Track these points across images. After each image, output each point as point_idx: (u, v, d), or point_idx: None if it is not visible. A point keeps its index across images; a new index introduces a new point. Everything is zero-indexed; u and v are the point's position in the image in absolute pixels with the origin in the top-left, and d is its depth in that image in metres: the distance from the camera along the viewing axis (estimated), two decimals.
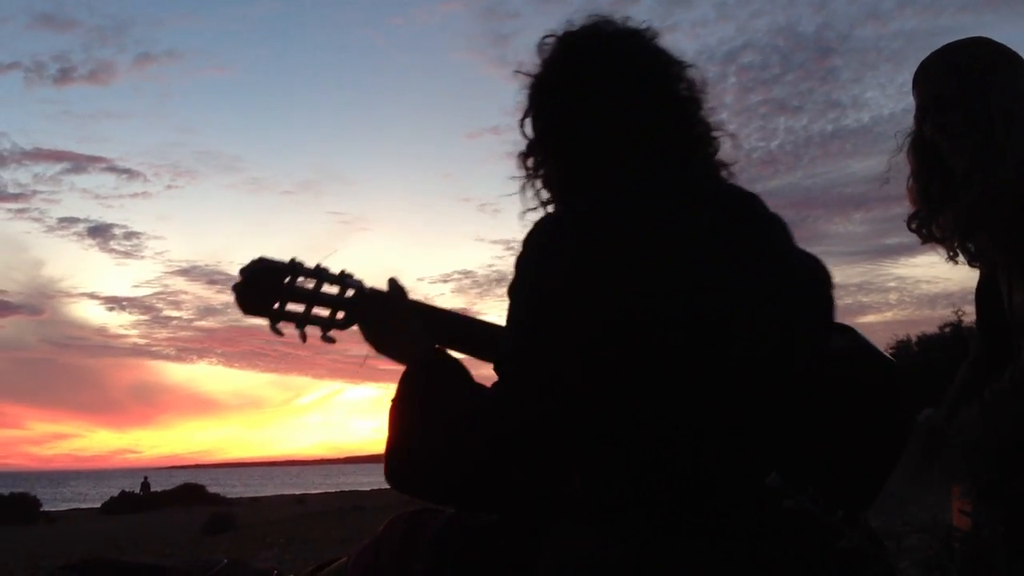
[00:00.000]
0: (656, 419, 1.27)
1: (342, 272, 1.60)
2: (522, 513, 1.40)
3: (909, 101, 2.29)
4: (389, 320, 1.58)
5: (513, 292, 1.36)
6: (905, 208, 2.33)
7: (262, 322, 1.56)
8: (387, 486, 1.45)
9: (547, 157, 1.55)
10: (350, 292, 1.61)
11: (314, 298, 1.58)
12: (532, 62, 1.57)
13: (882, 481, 1.47)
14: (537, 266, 1.35)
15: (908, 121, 2.32)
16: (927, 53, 2.26)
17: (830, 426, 1.39)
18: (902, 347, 26.67)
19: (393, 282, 1.62)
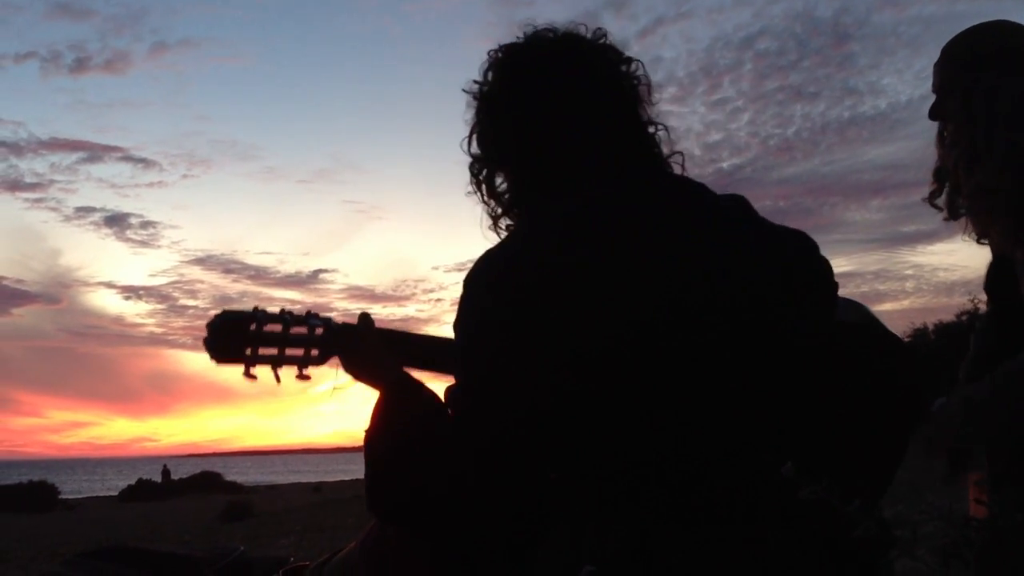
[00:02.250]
0: (646, 414, 1.27)
1: (308, 312, 1.64)
2: (508, 526, 1.42)
3: (927, 87, 2.28)
4: (363, 352, 1.63)
5: (456, 328, 1.41)
6: (921, 195, 2.32)
7: (237, 368, 1.58)
8: None
9: (497, 170, 1.59)
10: (319, 330, 1.64)
11: (285, 340, 1.62)
12: (475, 79, 1.60)
13: (896, 462, 1.47)
14: (474, 307, 1.39)
15: (926, 108, 2.30)
16: (945, 39, 2.24)
17: (840, 405, 1.38)
18: (919, 335, 26.54)
19: (363, 316, 1.67)
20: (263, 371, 1.60)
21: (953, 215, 2.26)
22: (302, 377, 1.64)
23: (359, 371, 1.64)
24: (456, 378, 1.44)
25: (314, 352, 1.65)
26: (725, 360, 1.30)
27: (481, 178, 1.60)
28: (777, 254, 1.43)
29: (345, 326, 1.66)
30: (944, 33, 2.28)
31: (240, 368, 1.59)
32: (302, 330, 1.63)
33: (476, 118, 1.60)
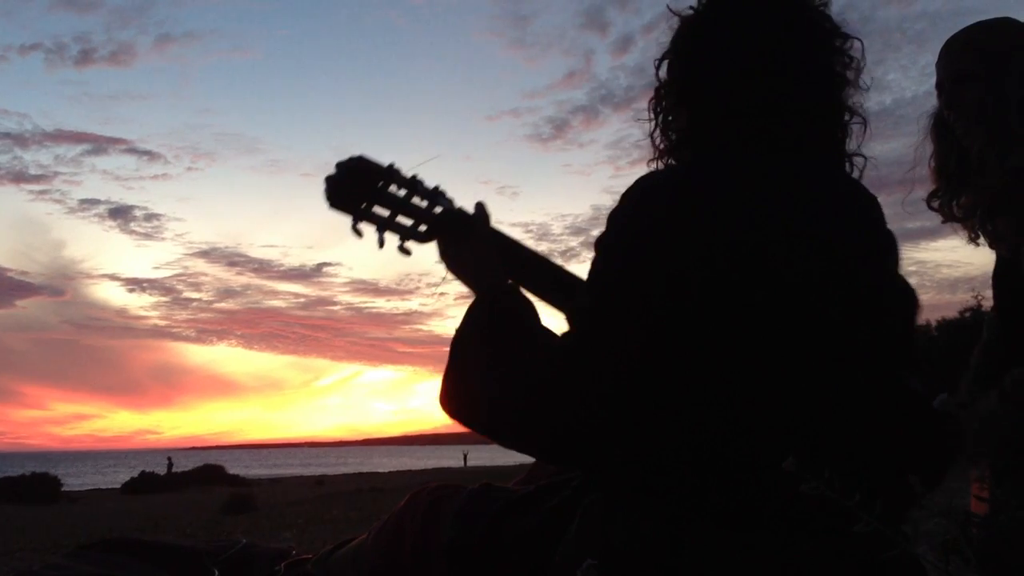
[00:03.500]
0: (717, 403, 1.23)
1: (436, 187, 1.61)
2: (574, 467, 1.38)
3: (932, 83, 2.28)
4: (469, 244, 1.58)
5: (600, 244, 1.34)
6: (926, 191, 2.31)
7: (345, 218, 1.55)
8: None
9: (679, 102, 1.49)
10: (438, 209, 1.60)
11: (402, 207, 1.58)
12: (685, 3, 1.51)
13: (933, 486, 1.40)
14: (628, 222, 1.32)
15: (931, 104, 2.30)
16: (950, 34, 2.24)
17: (892, 429, 1.33)
18: (922, 332, 26.51)
19: (480, 206, 1.62)
20: (370, 230, 1.57)
21: (951, 217, 2.26)
22: (403, 249, 1.61)
23: (457, 264, 1.59)
24: (587, 291, 1.35)
25: (422, 228, 1.61)
26: (794, 363, 1.26)
27: (660, 107, 1.52)
28: (891, 297, 1.39)
29: (462, 212, 1.62)
30: (949, 28, 2.28)
31: (349, 220, 1.56)
32: (423, 203, 1.60)
33: (678, 43, 1.50)
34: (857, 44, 1.48)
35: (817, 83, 1.43)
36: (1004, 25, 2.17)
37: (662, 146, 1.52)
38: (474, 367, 1.41)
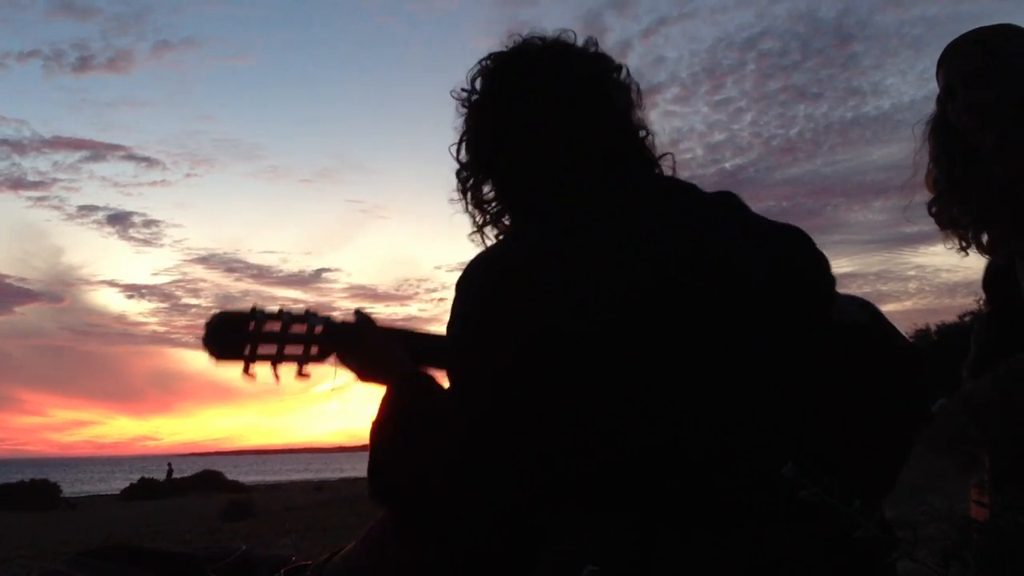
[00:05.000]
0: (642, 410, 1.26)
1: (307, 311, 1.64)
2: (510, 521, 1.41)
3: (930, 88, 2.27)
4: (363, 347, 1.63)
5: (450, 335, 1.41)
6: (925, 196, 2.31)
7: (235, 367, 1.59)
8: None
9: (484, 178, 1.59)
10: (318, 328, 1.64)
11: (284, 338, 1.62)
12: (463, 87, 1.60)
13: (900, 462, 1.46)
14: (460, 308, 1.39)
15: (929, 108, 2.30)
16: (949, 39, 2.24)
17: (842, 403, 1.38)
18: (921, 336, 26.53)
19: (359, 312, 1.67)
20: (263, 370, 1.61)
21: (945, 225, 2.25)
22: (302, 375, 1.64)
23: (360, 368, 1.64)
24: (448, 377, 1.44)
25: (314, 350, 1.65)
26: (721, 356, 1.29)
27: (468, 186, 1.60)
28: (767, 249, 1.43)
29: (344, 324, 1.66)
30: (947, 33, 2.28)
31: (240, 367, 1.59)
32: (301, 328, 1.63)
33: (465, 125, 1.60)
34: (626, 69, 1.58)
35: (601, 116, 1.52)
36: (1008, 29, 2.18)
37: (480, 220, 1.60)
38: (393, 452, 1.46)
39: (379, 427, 1.48)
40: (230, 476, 46.65)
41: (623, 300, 1.28)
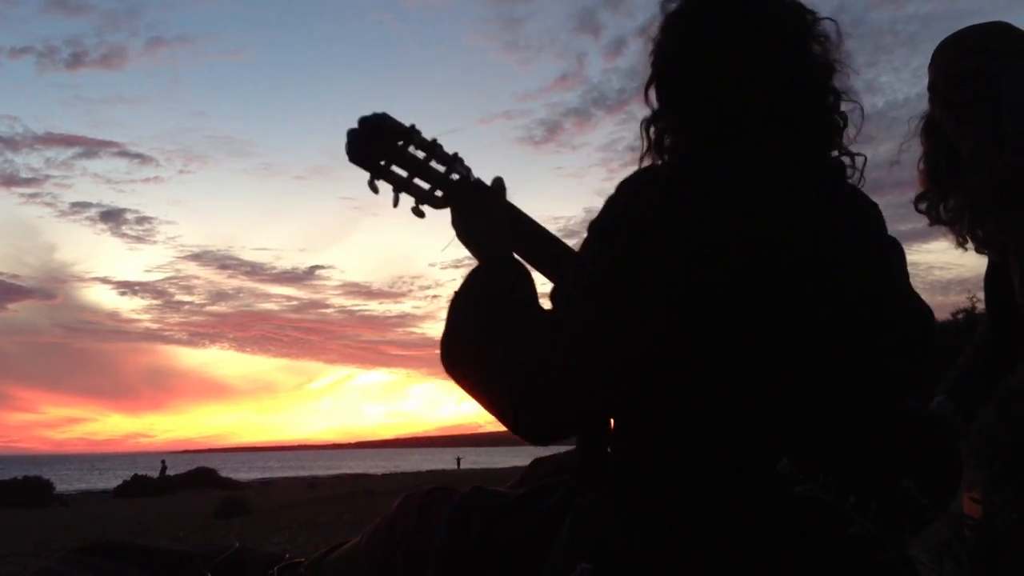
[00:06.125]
0: (704, 401, 1.24)
1: (455, 154, 1.62)
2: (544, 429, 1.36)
3: (924, 86, 2.29)
4: (481, 214, 1.59)
5: (595, 229, 1.35)
6: (915, 193, 2.32)
7: (362, 174, 1.56)
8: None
9: (667, 101, 1.51)
10: (455, 176, 1.62)
11: (420, 169, 1.59)
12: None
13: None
14: (625, 212, 1.33)
15: (923, 106, 2.31)
16: (943, 37, 2.25)
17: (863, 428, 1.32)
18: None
19: (498, 180, 1.63)
20: (386, 188, 1.58)
21: (938, 220, 2.26)
22: (417, 211, 1.61)
23: (469, 232, 1.60)
24: (567, 274, 1.40)
25: (438, 192, 1.62)
26: (798, 367, 1.26)
27: (651, 102, 1.53)
28: (883, 264, 1.40)
29: (479, 183, 1.63)
30: (941, 31, 2.29)
31: (366, 175, 1.56)
32: (440, 168, 1.61)
33: (660, 39, 1.51)
34: (834, 24, 1.49)
35: (801, 75, 1.44)
36: (998, 28, 2.18)
37: (653, 139, 1.53)
38: (466, 332, 1.44)
39: (462, 298, 1.46)
40: (224, 473, 46.57)
41: (731, 284, 1.24)
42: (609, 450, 1.37)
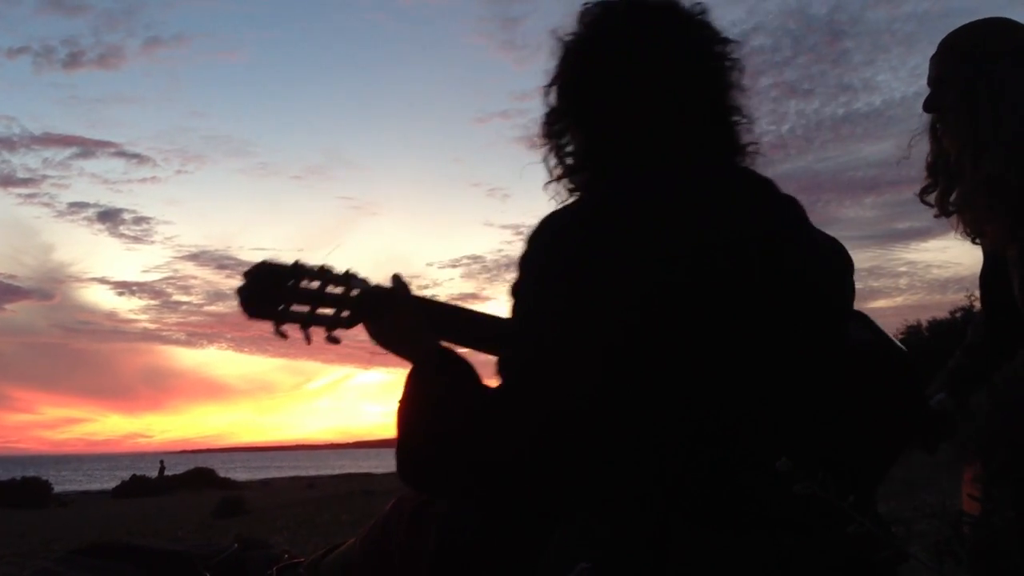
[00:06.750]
0: (675, 408, 1.25)
1: (347, 271, 1.59)
2: (534, 505, 1.38)
3: (921, 84, 2.29)
4: (395, 317, 1.57)
5: (517, 292, 1.35)
6: (914, 191, 2.32)
7: (267, 326, 1.55)
8: (396, 471, 1.45)
9: (572, 125, 1.52)
10: (355, 291, 1.60)
11: (319, 298, 1.57)
12: (567, 27, 1.53)
13: (889, 465, 1.47)
14: (543, 265, 1.33)
15: (921, 104, 2.30)
16: (940, 35, 2.25)
17: (845, 413, 1.37)
18: (912, 332, 26.53)
19: (397, 278, 1.60)
20: (294, 329, 1.56)
21: (944, 212, 2.26)
22: (332, 339, 1.59)
23: (389, 339, 1.58)
24: (513, 338, 1.37)
25: (345, 314, 1.60)
26: (765, 358, 1.28)
27: (553, 132, 1.54)
28: (823, 259, 1.42)
29: (380, 288, 1.61)
30: (939, 29, 2.29)
31: (271, 326, 1.54)
32: (338, 289, 1.59)
33: (561, 69, 1.53)
34: (735, 45, 1.51)
35: (703, 88, 1.47)
36: (989, 28, 2.17)
37: (558, 170, 1.54)
38: (422, 432, 1.41)
39: (407, 407, 1.44)
40: (222, 473, 46.60)
41: (681, 290, 1.25)
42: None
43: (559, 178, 1.54)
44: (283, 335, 1.54)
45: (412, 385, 1.45)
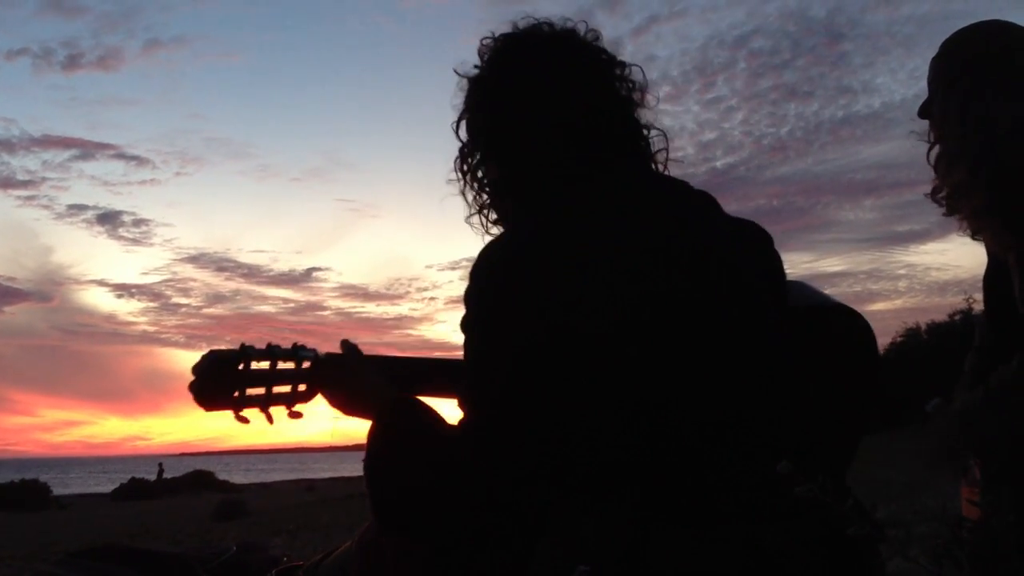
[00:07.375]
0: (637, 412, 1.26)
1: (294, 345, 1.61)
2: (521, 530, 1.39)
3: (920, 86, 2.29)
4: (349, 380, 1.61)
5: (466, 327, 1.37)
6: (914, 194, 2.33)
7: (226, 414, 1.55)
8: None
9: (485, 159, 1.57)
10: (305, 364, 1.61)
11: (272, 377, 1.59)
12: (470, 64, 1.58)
13: (859, 435, 1.50)
14: (485, 298, 1.36)
15: (918, 107, 2.31)
16: (940, 38, 2.24)
17: (807, 386, 1.39)
18: (911, 335, 26.56)
19: (345, 343, 1.65)
20: (254, 413, 1.58)
21: (952, 211, 2.26)
22: (294, 414, 1.62)
23: (347, 403, 1.62)
24: (469, 373, 1.39)
25: (301, 387, 1.62)
26: (717, 352, 1.30)
27: (467, 166, 1.58)
28: (746, 244, 1.45)
29: (330, 356, 1.64)
30: (938, 32, 2.29)
31: (230, 414, 1.56)
32: (289, 365, 1.61)
33: (468, 104, 1.58)
34: (636, 69, 1.57)
35: (606, 109, 1.51)
36: (977, 33, 2.17)
37: (478, 203, 1.59)
38: (394, 487, 1.42)
39: (373, 459, 1.44)
40: (221, 476, 46.56)
41: (627, 297, 1.28)
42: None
43: (480, 209, 1.59)
44: (244, 420, 1.56)
45: (375, 442, 1.46)
